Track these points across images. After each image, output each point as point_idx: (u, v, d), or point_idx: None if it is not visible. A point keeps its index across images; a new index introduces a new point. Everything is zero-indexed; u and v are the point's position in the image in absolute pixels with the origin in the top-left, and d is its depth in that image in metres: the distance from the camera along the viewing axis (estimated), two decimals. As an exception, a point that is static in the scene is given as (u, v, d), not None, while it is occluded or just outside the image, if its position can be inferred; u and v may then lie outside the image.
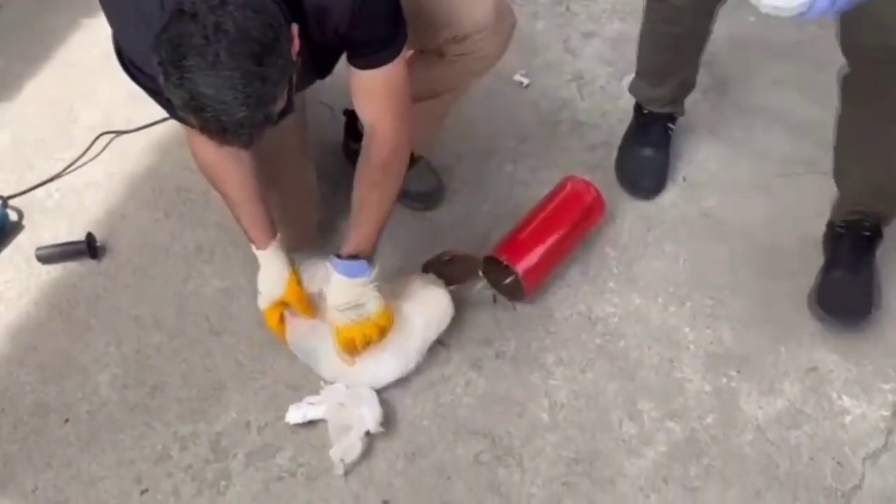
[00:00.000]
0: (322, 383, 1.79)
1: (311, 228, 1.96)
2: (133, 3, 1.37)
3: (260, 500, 1.66)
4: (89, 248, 2.01)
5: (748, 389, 1.74)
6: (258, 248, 1.72)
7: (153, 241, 2.05)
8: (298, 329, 1.78)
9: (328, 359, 1.76)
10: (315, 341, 1.77)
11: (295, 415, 1.73)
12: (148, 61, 1.30)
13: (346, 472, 1.67)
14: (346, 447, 1.67)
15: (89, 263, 2.02)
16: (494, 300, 1.91)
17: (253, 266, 1.77)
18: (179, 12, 1.24)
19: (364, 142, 1.64)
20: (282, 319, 1.78)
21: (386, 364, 1.75)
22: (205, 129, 1.29)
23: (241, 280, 1.96)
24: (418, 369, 1.78)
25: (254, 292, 1.80)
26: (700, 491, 1.62)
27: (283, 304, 1.75)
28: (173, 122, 2.19)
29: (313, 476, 1.68)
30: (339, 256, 1.66)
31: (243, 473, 1.69)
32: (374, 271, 1.67)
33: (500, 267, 1.88)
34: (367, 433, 1.69)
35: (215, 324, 1.90)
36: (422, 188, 2.05)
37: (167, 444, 1.73)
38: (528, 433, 1.71)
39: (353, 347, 1.70)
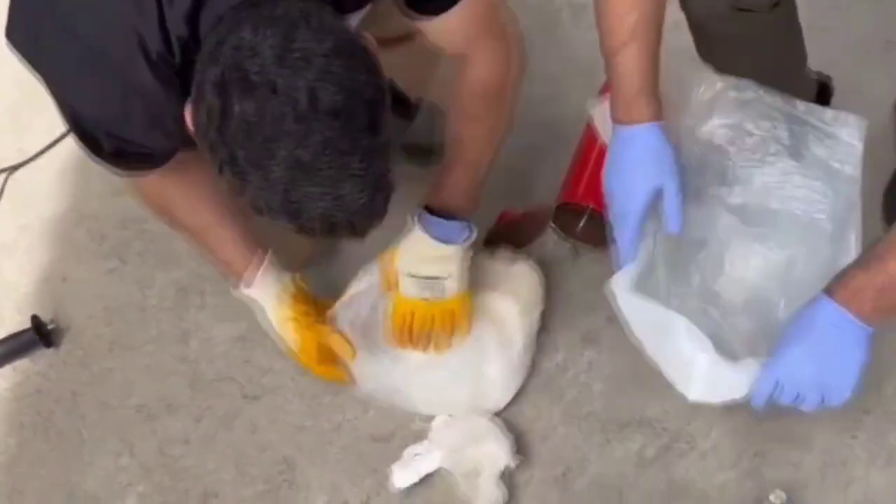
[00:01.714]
0: (414, 424, 1.40)
1: (305, 249, 1.51)
2: (109, 68, 1.01)
3: None
4: (39, 334, 1.51)
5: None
6: (246, 287, 1.33)
7: (118, 301, 1.56)
8: (365, 362, 1.36)
9: (420, 386, 1.36)
10: (392, 369, 1.36)
11: (403, 476, 1.34)
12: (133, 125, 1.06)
13: (497, 528, 1.30)
14: (484, 500, 1.30)
15: (46, 355, 1.52)
16: (576, 252, 1.53)
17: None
18: (244, 83, 0.87)
19: (459, 69, 1.26)
20: (330, 358, 1.36)
21: (496, 381, 1.37)
22: (304, 230, 0.95)
23: (255, 315, 1.51)
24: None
25: None
26: None
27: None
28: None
29: (457, 543, 1.31)
30: (428, 210, 1.27)
31: (366, 570, 1.31)
32: (472, 239, 1.27)
33: (568, 213, 1.50)
34: (506, 470, 1.32)
35: (247, 385, 1.46)
36: (427, 140, 1.61)
37: (253, 564, 1.33)
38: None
39: (407, 331, 1.32)
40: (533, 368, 1.42)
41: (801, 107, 1.31)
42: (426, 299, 1.30)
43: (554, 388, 1.41)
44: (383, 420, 1.41)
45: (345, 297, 1.37)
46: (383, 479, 1.36)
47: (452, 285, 1.29)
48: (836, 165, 1.29)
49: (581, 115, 1.52)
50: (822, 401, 1.11)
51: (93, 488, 1.41)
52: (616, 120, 1.16)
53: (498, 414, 1.37)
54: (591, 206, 1.47)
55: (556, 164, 1.52)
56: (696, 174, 1.28)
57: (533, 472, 1.35)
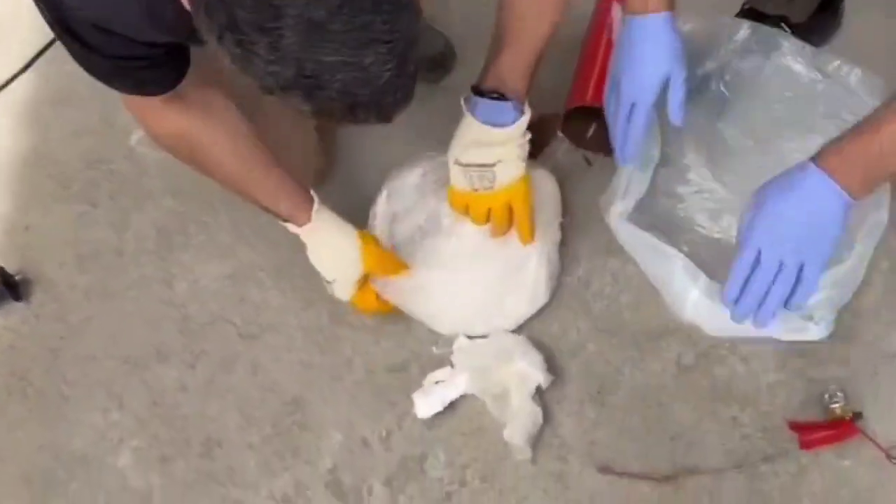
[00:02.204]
0: (434, 348, 1.28)
1: (316, 161, 1.39)
2: None
3: (436, 535, 1.18)
4: (7, 287, 1.37)
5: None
6: (300, 225, 1.19)
7: (92, 247, 1.42)
8: (401, 286, 1.27)
9: (449, 304, 1.26)
10: (427, 285, 1.27)
11: (426, 405, 1.23)
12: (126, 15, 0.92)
13: (533, 451, 1.20)
14: (519, 421, 1.19)
15: (16, 309, 1.38)
16: (588, 160, 1.43)
17: (258, 221, 1.29)
18: None
19: None
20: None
21: (520, 294, 1.26)
22: (322, 111, 0.81)
23: (245, 251, 1.38)
24: (546, 283, 1.31)
25: (275, 259, 1.33)
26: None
27: (366, 279, 1.24)
28: (40, 69, 1.52)
29: (490, 475, 1.20)
30: (478, 92, 1.16)
31: (394, 510, 1.20)
32: (524, 120, 1.16)
33: (577, 120, 1.40)
34: (537, 390, 1.22)
35: (243, 325, 1.34)
36: (427, 52, 1.50)
37: (269, 515, 1.21)
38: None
39: (477, 224, 1.25)
40: (558, 283, 1.32)
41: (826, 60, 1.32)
42: (476, 190, 1.19)
43: (579, 302, 1.31)
44: (398, 349, 1.29)
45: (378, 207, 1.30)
46: (403, 411, 1.25)
47: (503, 173, 1.17)
48: (849, 118, 1.25)
49: (587, 15, 1.42)
50: (798, 274, 1.04)
51: (81, 448, 1.27)
52: (630, 11, 1.13)
53: (519, 332, 1.27)
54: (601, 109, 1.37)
55: (561, 70, 1.41)
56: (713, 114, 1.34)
57: (565, 391, 1.25)
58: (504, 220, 1.21)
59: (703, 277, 1.23)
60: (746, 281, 1.06)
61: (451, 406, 1.23)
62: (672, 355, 1.26)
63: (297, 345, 1.31)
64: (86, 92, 1.51)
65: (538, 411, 1.20)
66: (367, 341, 1.30)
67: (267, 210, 1.19)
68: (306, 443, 1.24)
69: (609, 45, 1.40)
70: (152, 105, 1.08)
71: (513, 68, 1.15)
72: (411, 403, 1.23)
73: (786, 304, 1.06)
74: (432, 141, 1.39)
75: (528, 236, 1.23)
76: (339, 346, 1.31)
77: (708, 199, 1.33)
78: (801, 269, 1.04)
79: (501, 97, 1.15)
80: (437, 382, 1.24)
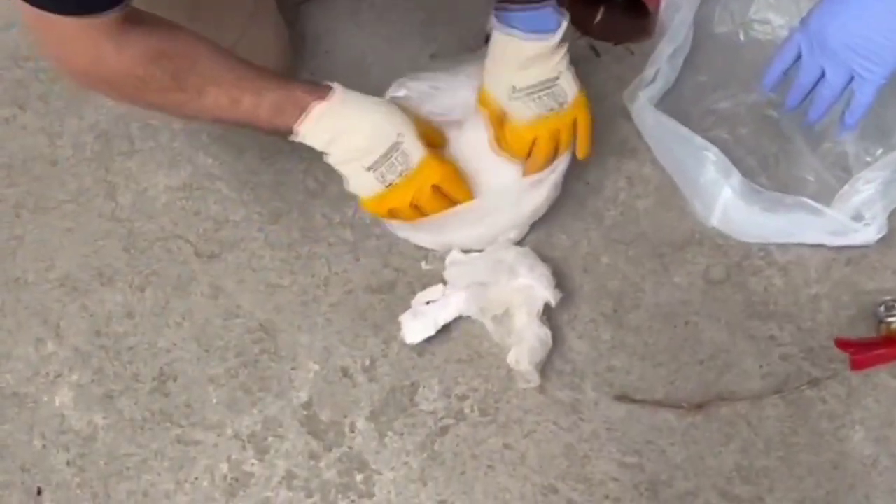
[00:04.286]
0: (423, 264, 1.11)
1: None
2: None
3: (441, 484, 1.01)
4: (-80, 204, 1.17)
5: None
6: (319, 99, 0.94)
7: (21, 156, 1.22)
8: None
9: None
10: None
11: (416, 328, 1.05)
12: None
13: (542, 379, 1.03)
14: (525, 344, 1.02)
15: (-67, 229, 1.18)
16: (596, 51, 1.24)
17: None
18: None
19: None
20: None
21: (521, 200, 1.08)
22: None
23: (201, 158, 1.19)
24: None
25: (237, 167, 1.15)
26: None
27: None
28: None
29: (491, 407, 1.04)
30: (507, 3, 0.97)
31: (381, 454, 1.02)
32: (566, 23, 0.98)
33: (581, 5, 1.22)
34: (545, 309, 1.04)
35: (200, 242, 1.15)
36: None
37: (238, 465, 1.03)
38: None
39: (538, 162, 1.04)
40: (562, 188, 1.14)
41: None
42: (547, 114, 1.00)
43: (588, 210, 1.14)
44: (381, 266, 1.11)
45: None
46: (389, 336, 1.07)
47: (569, 85, 1.00)
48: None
49: None
50: (859, 73, 0.95)
51: (12, 385, 1.09)
52: None
53: (521, 244, 1.09)
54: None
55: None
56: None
57: (577, 311, 1.08)
58: (572, 137, 1.03)
59: (736, 174, 1.06)
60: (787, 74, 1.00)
61: (445, 329, 1.06)
62: (699, 267, 1.09)
63: (263, 264, 1.13)
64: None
65: (546, 333, 1.03)
66: (346, 259, 1.12)
67: (274, 128, 0.96)
68: (277, 374, 1.07)
69: None
70: (111, 30, 0.84)
71: None
72: (398, 327, 1.06)
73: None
74: (435, 29, 1.22)
75: (589, 149, 1.06)
76: (312, 265, 1.12)
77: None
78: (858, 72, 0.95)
79: (539, 1, 0.96)
80: (427, 303, 1.07)
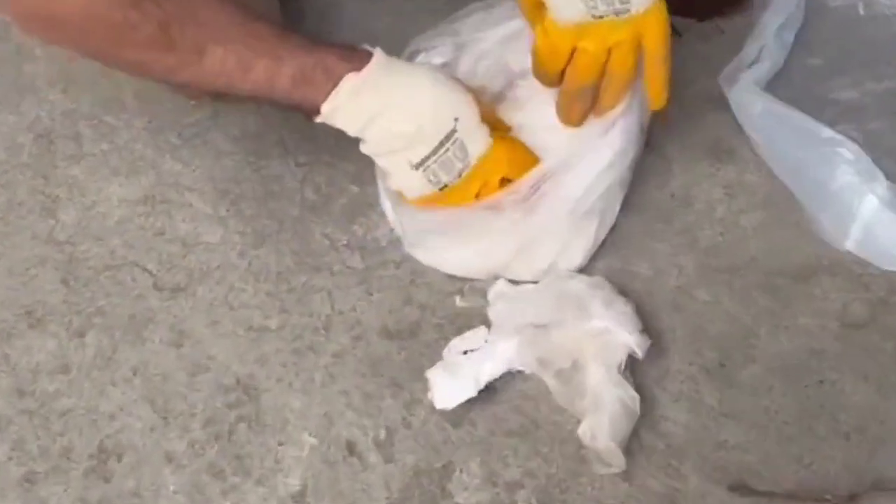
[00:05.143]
0: (458, 299, 0.83)
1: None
2: None
3: None
4: None
5: None
6: (355, 70, 0.72)
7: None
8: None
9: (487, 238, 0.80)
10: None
11: (451, 387, 0.77)
12: None
13: (627, 460, 0.74)
14: (602, 412, 0.73)
15: None
16: (677, 32, 0.97)
17: (190, 119, 0.93)
18: None
19: None
20: None
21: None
22: None
23: (168, 163, 0.92)
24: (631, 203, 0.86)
25: (215, 174, 0.91)
26: None
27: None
28: None
29: (556, 499, 0.74)
30: None
31: (401, 557, 0.73)
32: None
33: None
34: (628, 362, 0.76)
35: (162, 271, 0.87)
36: None
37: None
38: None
39: (570, 89, 0.76)
40: (639, 201, 0.86)
41: None
42: (601, 17, 0.71)
43: (676, 230, 0.86)
44: (401, 302, 0.83)
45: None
46: (413, 398, 0.79)
47: None
48: None
49: None
50: None
51: None
52: None
53: (589, 272, 0.82)
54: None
55: None
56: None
57: (669, 364, 0.79)
58: (633, 63, 0.74)
59: (881, 178, 0.79)
60: None
61: (490, 389, 0.77)
62: (832, 305, 0.81)
63: (244, 300, 0.85)
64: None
65: (632, 395, 0.74)
66: (354, 293, 0.84)
67: (295, 103, 0.73)
68: (259, 451, 0.78)
69: None
70: None
71: None
72: (425, 386, 0.78)
73: None
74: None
75: (665, 91, 0.76)
76: (309, 302, 0.84)
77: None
78: None
79: None
80: (465, 352, 0.78)
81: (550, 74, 0.76)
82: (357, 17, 1.00)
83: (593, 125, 0.78)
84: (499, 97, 0.81)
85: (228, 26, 0.70)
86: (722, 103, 0.90)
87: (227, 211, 0.90)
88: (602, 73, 0.74)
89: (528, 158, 0.77)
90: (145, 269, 0.87)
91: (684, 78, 0.92)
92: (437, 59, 0.81)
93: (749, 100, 0.85)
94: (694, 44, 0.96)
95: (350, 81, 0.71)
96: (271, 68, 0.71)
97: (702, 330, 0.81)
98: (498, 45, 0.82)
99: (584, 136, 0.78)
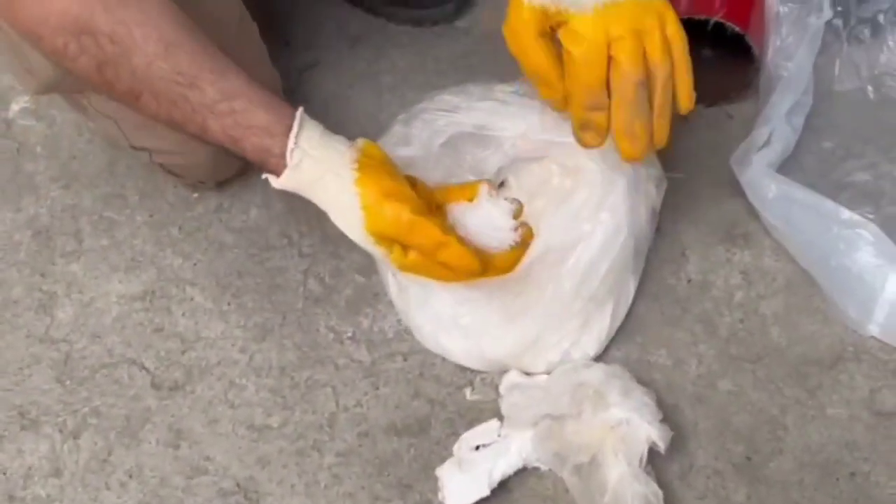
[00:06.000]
0: (469, 392, 0.79)
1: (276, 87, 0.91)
2: None
3: None
4: None
5: None
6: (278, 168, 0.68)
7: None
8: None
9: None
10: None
11: (463, 485, 0.73)
12: None
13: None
14: (624, 509, 0.69)
15: None
16: (685, 117, 0.96)
17: (192, 213, 0.91)
18: None
19: None
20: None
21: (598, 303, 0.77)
22: None
23: (168, 257, 0.90)
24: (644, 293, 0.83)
25: (215, 267, 0.89)
26: None
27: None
28: None
29: None
30: None
31: None
32: None
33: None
34: (649, 455, 0.72)
35: (160, 369, 0.84)
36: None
37: None
38: None
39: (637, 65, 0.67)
40: (654, 288, 0.84)
41: None
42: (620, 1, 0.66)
43: (695, 317, 0.83)
44: (409, 396, 0.80)
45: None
46: (423, 498, 0.74)
47: None
48: None
49: None
50: None
51: None
52: None
53: (606, 362, 0.78)
54: (712, 22, 0.91)
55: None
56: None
57: (692, 458, 0.75)
58: (667, 48, 0.67)
59: None
60: None
61: (503, 487, 0.73)
62: (860, 393, 0.78)
63: (245, 397, 0.81)
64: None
65: (656, 491, 0.70)
66: (360, 387, 0.81)
67: (229, 149, 0.70)
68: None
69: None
70: None
71: None
72: (436, 485, 0.74)
73: None
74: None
75: (691, 91, 0.70)
76: (313, 398, 0.81)
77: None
78: None
79: None
80: (477, 448, 0.74)
81: (595, 85, 0.68)
82: (363, 110, 0.99)
83: (582, 207, 0.76)
84: (497, 175, 0.79)
85: (164, 76, 0.66)
86: (734, 188, 0.88)
87: (229, 305, 0.87)
88: (645, 63, 0.67)
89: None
90: (143, 367, 0.84)
91: (695, 163, 0.91)
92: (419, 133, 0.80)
93: (763, 183, 0.83)
94: (703, 130, 0.95)
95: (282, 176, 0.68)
96: (203, 127, 0.68)
97: (726, 422, 0.77)
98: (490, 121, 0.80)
99: (573, 219, 0.76)
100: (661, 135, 0.70)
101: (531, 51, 0.69)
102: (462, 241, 0.67)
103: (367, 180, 0.66)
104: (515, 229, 0.71)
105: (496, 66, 0.87)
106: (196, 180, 0.92)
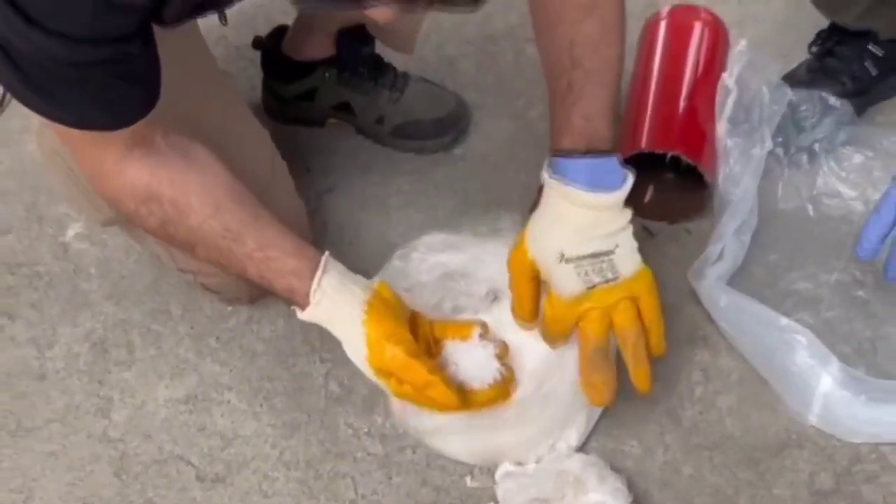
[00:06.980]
0: (469, 480, 0.93)
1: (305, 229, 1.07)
2: None
3: None
4: None
5: None
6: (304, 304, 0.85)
7: (5, 371, 1.07)
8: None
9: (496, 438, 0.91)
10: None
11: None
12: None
13: None
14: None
15: None
16: (649, 233, 1.12)
17: (228, 325, 1.05)
18: None
19: None
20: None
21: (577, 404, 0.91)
22: None
23: (209, 365, 1.04)
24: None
25: (249, 374, 1.02)
26: None
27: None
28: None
29: None
30: (561, 153, 0.84)
31: None
32: (631, 180, 0.83)
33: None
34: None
35: (204, 463, 0.97)
36: (436, 113, 1.21)
37: None
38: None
39: (596, 334, 0.83)
40: (628, 385, 0.97)
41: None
42: (595, 286, 0.82)
43: (662, 411, 0.97)
44: (418, 485, 0.93)
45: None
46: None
47: (623, 261, 0.83)
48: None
49: (631, 46, 1.15)
50: None
51: None
52: None
53: (585, 452, 0.92)
54: (671, 154, 1.06)
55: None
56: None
57: (661, 534, 0.88)
58: (635, 318, 0.83)
59: (834, 360, 0.90)
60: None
61: (501, 564, 0.86)
62: (802, 476, 0.91)
63: (277, 487, 0.95)
64: (9, 182, 1.22)
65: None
66: (376, 477, 0.94)
67: (266, 289, 0.88)
68: None
69: (671, 80, 1.13)
70: (115, 149, 0.80)
71: (603, 109, 0.84)
72: (443, 564, 0.87)
73: None
74: (441, 216, 1.11)
75: (663, 343, 0.86)
76: (336, 487, 0.94)
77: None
78: None
79: (595, 153, 0.83)
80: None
81: (559, 339, 0.86)
82: (374, 231, 1.14)
83: None
84: (488, 295, 0.93)
85: (214, 232, 0.83)
86: (694, 296, 1.03)
87: (261, 406, 1.01)
88: (609, 332, 0.83)
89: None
90: (189, 462, 0.98)
91: (659, 274, 1.02)
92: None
93: (715, 294, 0.98)
94: (666, 244, 1.10)
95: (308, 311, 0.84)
96: (242, 270, 0.85)
97: (689, 503, 0.90)
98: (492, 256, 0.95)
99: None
100: (640, 380, 0.84)
101: (520, 287, 0.87)
102: (447, 381, 0.82)
103: (373, 322, 0.82)
104: (498, 370, 0.86)
105: (488, 190, 1.05)
106: (232, 297, 1.07)
